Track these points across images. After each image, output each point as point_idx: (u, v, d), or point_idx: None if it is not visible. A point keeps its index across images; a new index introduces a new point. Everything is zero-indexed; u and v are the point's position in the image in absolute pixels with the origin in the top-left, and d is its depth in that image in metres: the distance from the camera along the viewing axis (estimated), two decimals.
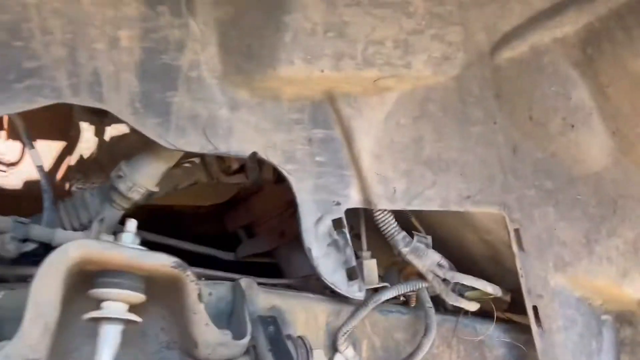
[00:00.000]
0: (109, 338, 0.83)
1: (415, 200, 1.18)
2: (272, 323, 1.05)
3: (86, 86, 0.95)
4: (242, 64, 1.04)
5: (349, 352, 1.21)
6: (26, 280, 0.79)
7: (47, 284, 0.79)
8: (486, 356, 1.32)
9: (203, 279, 1.10)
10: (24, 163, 1.40)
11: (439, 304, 1.31)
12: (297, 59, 1.02)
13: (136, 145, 1.44)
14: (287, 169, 1.14)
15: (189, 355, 0.96)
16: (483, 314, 1.32)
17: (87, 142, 1.44)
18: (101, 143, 1.43)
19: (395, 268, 1.34)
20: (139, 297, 0.86)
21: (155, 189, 1.11)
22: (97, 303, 0.85)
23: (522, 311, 1.23)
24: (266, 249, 1.63)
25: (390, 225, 1.21)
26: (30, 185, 1.37)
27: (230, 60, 1.04)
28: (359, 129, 1.15)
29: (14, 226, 0.89)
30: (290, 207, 1.59)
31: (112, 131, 1.44)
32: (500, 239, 1.25)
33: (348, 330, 1.18)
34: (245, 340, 0.96)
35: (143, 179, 1.09)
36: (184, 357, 0.96)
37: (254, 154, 1.11)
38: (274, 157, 1.13)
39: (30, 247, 0.93)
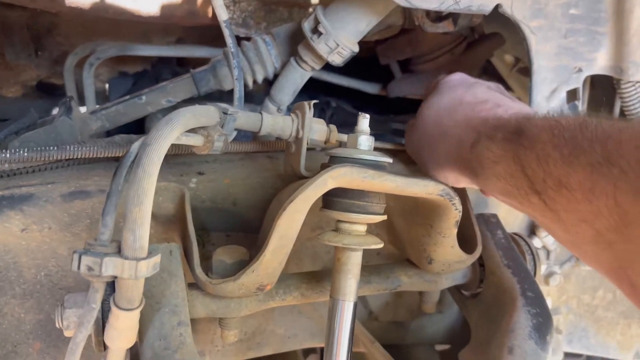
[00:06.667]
0: (354, 266, 0.69)
1: None
2: (497, 226, 0.89)
3: None
4: None
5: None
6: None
7: (295, 218, 0.62)
8: None
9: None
10: None
11: None
12: None
13: None
14: (531, 26, 0.86)
15: (414, 267, 0.84)
16: None
17: None
18: None
19: None
20: (382, 218, 0.69)
21: (357, 50, 0.85)
22: (333, 222, 0.70)
23: None
24: None
25: (637, 101, 0.96)
26: (167, 12, 1.09)
27: None
28: None
29: (223, 120, 0.67)
30: (464, 40, 1.29)
31: None
32: None
33: None
34: (478, 253, 0.82)
35: (349, 39, 0.82)
36: (407, 268, 0.84)
37: (497, 7, 0.82)
38: (519, 11, 0.84)
39: (233, 136, 0.73)
